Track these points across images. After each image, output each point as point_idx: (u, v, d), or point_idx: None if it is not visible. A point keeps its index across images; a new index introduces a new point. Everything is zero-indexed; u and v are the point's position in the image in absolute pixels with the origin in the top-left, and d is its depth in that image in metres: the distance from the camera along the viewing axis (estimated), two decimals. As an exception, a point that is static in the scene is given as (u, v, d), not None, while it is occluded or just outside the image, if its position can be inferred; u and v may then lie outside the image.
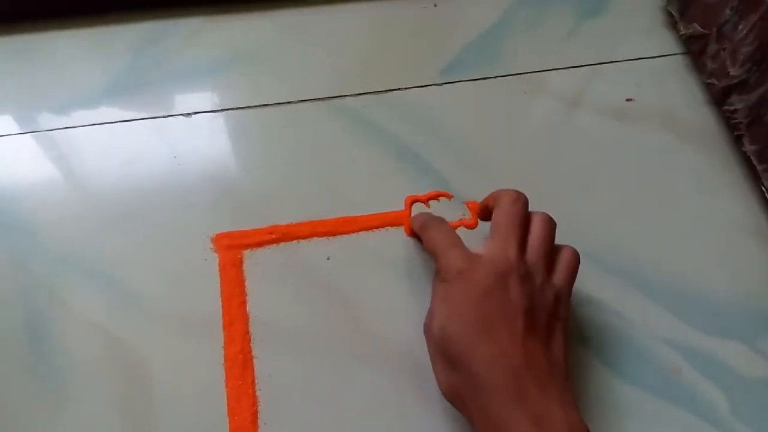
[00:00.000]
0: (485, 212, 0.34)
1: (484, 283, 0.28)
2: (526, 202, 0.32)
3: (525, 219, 0.31)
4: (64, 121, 0.39)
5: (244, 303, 0.35)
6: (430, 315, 0.30)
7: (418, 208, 0.38)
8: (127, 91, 0.40)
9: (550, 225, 0.32)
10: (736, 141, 0.41)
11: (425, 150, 0.40)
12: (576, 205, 0.39)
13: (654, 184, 0.40)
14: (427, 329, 0.30)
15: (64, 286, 0.35)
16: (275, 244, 0.36)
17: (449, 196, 0.39)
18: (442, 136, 0.41)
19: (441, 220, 0.34)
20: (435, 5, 0.45)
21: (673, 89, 0.43)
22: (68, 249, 0.36)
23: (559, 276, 0.31)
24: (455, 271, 0.29)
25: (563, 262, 0.31)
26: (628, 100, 0.43)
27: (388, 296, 0.35)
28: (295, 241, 0.37)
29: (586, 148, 0.41)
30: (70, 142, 0.39)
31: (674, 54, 0.45)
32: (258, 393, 0.33)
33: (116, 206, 0.37)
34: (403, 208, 0.38)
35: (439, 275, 0.30)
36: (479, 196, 0.39)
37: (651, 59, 0.45)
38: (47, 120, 0.39)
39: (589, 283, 0.37)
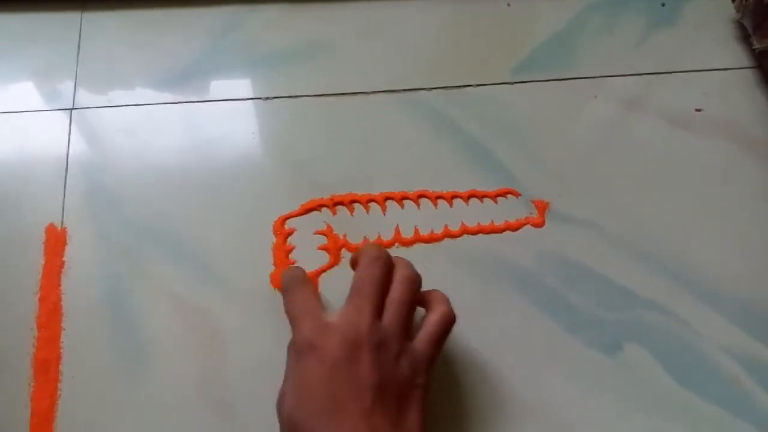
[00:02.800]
0: (354, 266, 0.32)
1: (333, 357, 0.27)
2: (386, 260, 0.30)
3: (384, 278, 0.30)
4: (147, 97, 0.41)
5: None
6: (281, 396, 0.28)
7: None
8: (206, 73, 0.42)
9: (412, 283, 0.30)
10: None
11: (494, 146, 0.41)
12: (639, 207, 0.40)
13: (716, 193, 0.41)
14: (278, 411, 0.28)
15: (145, 258, 0.36)
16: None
17: (517, 194, 0.41)
18: (512, 134, 0.42)
19: (301, 282, 0.32)
20: (508, 5, 0.46)
21: (740, 102, 0.44)
22: (150, 222, 0.37)
23: (421, 340, 0.29)
24: (305, 344, 0.28)
25: (428, 324, 0.30)
26: (697, 110, 0.44)
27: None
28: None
29: (651, 154, 0.42)
30: (154, 119, 0.40)
31: (745, 67, 0.45)
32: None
33: (195, 182, 0.39)
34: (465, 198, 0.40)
35: (293, 344, 0.29)
36: (546, 194, 0.40)
37: (720, 71, 0.45)
38: (132, 96, 0.41)
39: (648, 286, 0.38)
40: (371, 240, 0.39)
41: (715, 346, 0.37)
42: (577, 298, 0.38)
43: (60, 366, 0.34)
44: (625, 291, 0.38)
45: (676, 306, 0.38)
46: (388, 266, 0.30)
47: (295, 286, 0.32)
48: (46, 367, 0.33)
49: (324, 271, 0.37)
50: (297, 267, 0.35)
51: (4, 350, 0.34)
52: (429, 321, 0.30)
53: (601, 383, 0.36)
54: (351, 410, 0.26)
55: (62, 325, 0.35)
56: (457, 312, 0.32)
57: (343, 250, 0.38)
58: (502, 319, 0.37)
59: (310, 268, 0.37)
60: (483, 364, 0.36)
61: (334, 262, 0.38)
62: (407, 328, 0.30)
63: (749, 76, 0.45)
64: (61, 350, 0.34)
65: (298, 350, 0.28)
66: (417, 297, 0.31)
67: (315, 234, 0.39)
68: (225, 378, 0.34)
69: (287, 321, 0.31)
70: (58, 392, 0.33)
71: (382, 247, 0.32)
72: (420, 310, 0.32)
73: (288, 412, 0.27)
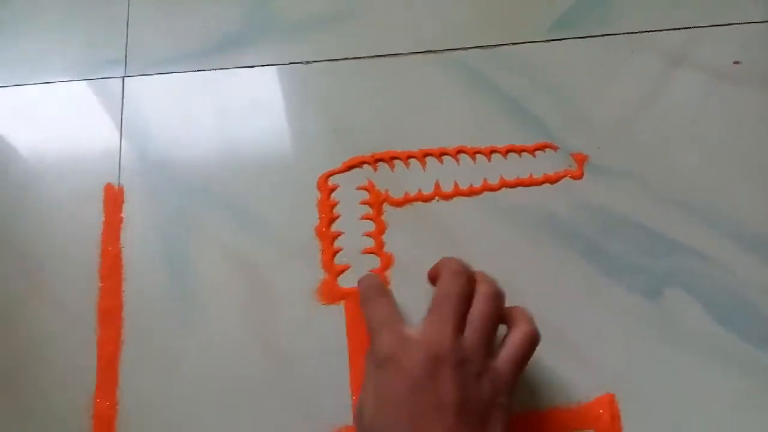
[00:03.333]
0: (432, 279, 0.32)
1: (414, 374, 0.27)
2: (469, 276, 0.30)
3: (466, 294, 0.29)
4: (191, 64, 0.43)
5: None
6: (360, 404, 0.28)
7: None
8: (246, 40, 0.44)
9: (495, 300, 0.30)
10: None
11: (532, 103, 0.42)
12: (677, 158, 0.41)
13: (755, 143, 0.41)
14: (357, 420, 0.28)
15: (196, 215, 0.38)
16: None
17: (555, 148, 0.41)
18: (549, 91, 0.42)
19: (380, 291, 0.32)
20: (542, -36, 0.47)
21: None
22: (200, 181, 0.39)
23: (503, 360, 0.29)
24: (385, 357, 0.28)
25: (511, 344, 0.29)
26: (735, 63, 0.43)
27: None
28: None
29: (689, 107, 0.42)
30: (199, 84, 0.42)
31: (785, 19, 0.45)
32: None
33: (240, 143, 0.40)
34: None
35: (372, 354, 0.29)
36: (584, 148, 0.41)
37: (759, 24, 0.45)
38: (178, 64, 0.43)
39: (687, 233, 0.39)
40: (412, 193, 0.40)
41: (756, 289, 0.37)
42: (617, 247, 0.39)
43: (122, 314, 0.36)
44: (664, 239, 0.39)
45: (715, 252, 0.38)
46: (471, 281, 0.30)
47: (373, 295, 0.32)
48: (110, 315, 0.36)
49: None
50: (373, 275, 0.35)
51: (70, 300, 0.36)
52: (512, 340, 0.29)
53: (643, 327, 0.37)
54: (432, 427, 0.26)
55: (123, 276, 0.37)
56: (500, 264, 0.33)
57: (385, 204, 0.40)
58: (544, 268, 0.38)
59: (353, 221, 0.39)
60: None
61: (379, 227, 0.39)
62: (489, 345, 0.29)
63: (789, 27, 0.45)
64: (123, 299, 0.36)
65: (378, 361, 0.28)
66: (499, 313, 0.30)
67: (357, 189, 0.40)
68: (274, 325, 0.36)
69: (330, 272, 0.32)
70: (122, 338, 0.35)
71: (463, 261, 0.31)
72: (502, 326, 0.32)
73: (368, 422, 0.27)
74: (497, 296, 0.30)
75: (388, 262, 0.38)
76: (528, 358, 0.29)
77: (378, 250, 0.38)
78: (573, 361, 0.36)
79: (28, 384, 0.34)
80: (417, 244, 0.38)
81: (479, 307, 0.29)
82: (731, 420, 0.35)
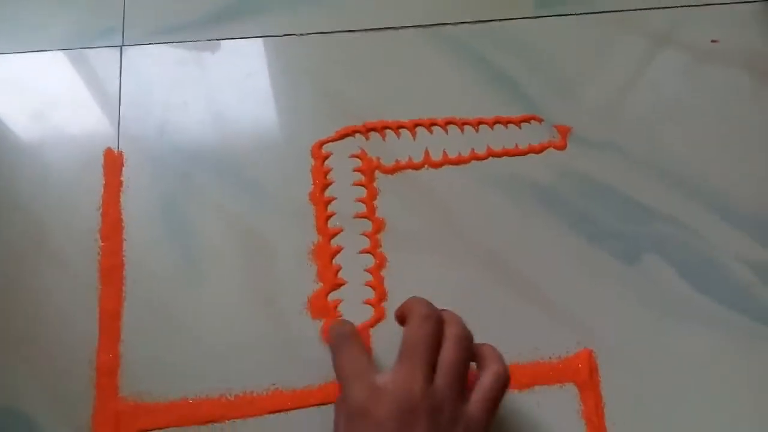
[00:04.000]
0: (401, 319, 0.32)
1: (388, 426, 0.27)
2: (437, 319, 0.30)
3: (435, 338, 0.29)
4: (188, 34, 0.44)
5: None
6: None
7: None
8: (240, 11, 0.45)
9: (464, 342, 0.30)
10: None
11: (520, 77, 0.44)
12: (658, 132, 0.43)
13: (733, 118, 0.43)
14: None
15: (194, 178, 0.40)
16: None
17: (540, 120, 0.43)
18: (536, 65, 0.44)
19: (350, 340, 0.32)
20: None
21: (757, 34, 0.46)
22: (197, 146, 0.41)
23: (475, 403, 0.28)
24: (357, 409, 0.28)
25: (483, 387, 0.29)
26: (713, 41, 0.46)
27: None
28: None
29: (671, 83, 0.44)
30: (195, 54, 0.43)
31: (761, 0, 0.47)
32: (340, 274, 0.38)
33: (236, 112, 0.42)
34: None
35: (343, 406, 0.29)
36: (568, 121, 0.43)
37: (739, 4, 0.47)
38: (176, 34, 0.44)
39: (666, 202, 0.41)
40: (403, 161, 0.41)
41: (730, 255, 0.40)
42: (597, 214, 0.41)
43: (123, 272, 0.37)
44: (644, 207, 0.41)
45: (693, 220, 0.41)
46: (439, 324, 0.30)
47: (343, 344, 0.31)
48: (111, 273, 0.37)
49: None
50: (345, 321, 0.35)
51: (73, 260, 0.37)
52: (483, 384, 0.29)
53: (621, 289, 0.39)
54: None
55: (123, 236, 0.38)
56: (485, 229, 0.35)
57: (377, 171, 0.41)
58: (528, 234, 0.40)
59: (346, 187, 0.40)
60: (510, 272, 0.39)
61: (370, 193, 0.41)
62: (461, 390, 0.29)
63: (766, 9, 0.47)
64: (124, 258, 0.38)
65: (349, 414, 0.28)
66: (469, 354, 0.30)
67: (350, 157, 0.42)
68: (270, 283, 0.38)
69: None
70: (123, 295, 0.37)
71: (430, 303, 0.31)
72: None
73: None
74: (466, 338, 0.30)
75: (379, 226, 0.40)
76: (500, 399, 0.29)
77: (370, 214, 0.40)
78: (554, 320, 0.38)
79: (34, 339, 0.36)
80: (407, 209, 0.40)
81: (449, 351, 0.29)
82: (703, 377, 0.37)
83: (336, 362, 0.31)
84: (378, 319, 0.37)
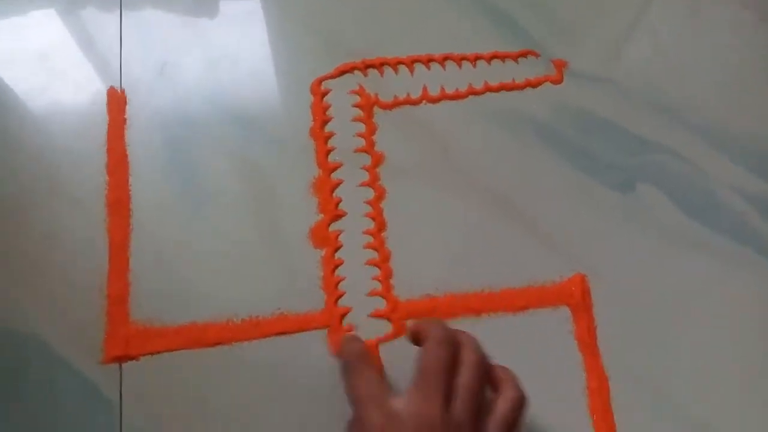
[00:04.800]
0: (414, 339, 0.32)
1: None
2: (454, 343, 0.29)
3: (452, 362, 0.29)
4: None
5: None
6: None
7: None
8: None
9: (481, 367, 0.29)
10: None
11: (517, 13, 0.44)
12: (653, 64, 0.43)
13: (727, 51, 0.43)
14: None
15: (195, 115, 0.41)
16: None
17: (536, 55, 0.44)
18: (535, 2, 0.44)
19: (362, 360, 0.31)
20: None
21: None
22: (197, 84, 0.42)
23: (492, 428, 0.28)
24: None
25: (500, 412, 0.28)
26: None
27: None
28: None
29: (672, 20, 0.44)
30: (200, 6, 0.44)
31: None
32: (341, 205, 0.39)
33: (235, 49, 0.43)
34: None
35: (358, 425, 0.28)
36: (565, 56, 0.43)
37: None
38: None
39: (661, 133, 0.42)
40: (401, 97, 0.42)
41: (724, 186, 0.41)
42: (593, 145, 0.42)
43: (130, 205, 0.39)
44: (639, 139, 0.42)
45: (689, 152, 0.41)
46: (456, 348, 0.29)
47: (356, 365, 0.31)
48: (118, 206, 0.39)
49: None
50: (355, 338, 0.34)
51: (81, 194, 0.39)
52: (500, 409, 0.28)
53: (615, 218, 0.40)
54: None
55: (128, 171, 0.39)
56: (483, 162, 0.36)
57: (375, 107, 0.42)
58: (524, 166, 0.41)
59: (345, 123, 0.41)
60: (506, 202, 0.40)
61: (369, 128, 0.42)
62: (478, 413, 0.28)
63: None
64: (130, 192, 0.39)
65: None
66: (486, 378, 0.30)
67: (349, 93, 0.42)
68: (272, 214, 0.39)
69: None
70: (130, 226, 0.38)
71: (446, 325, 0.30)
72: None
73: None
74: (483, 363, 0.29)
75: (378, 159, 0.41)
76: (517, 424, 0.29)
77: (369, 148, 0.41)
78: (549, 247, 0.39)
79: (47, 269, 0.37)
80: (406, 143, 0.41)
81: (466, 376, 0.28)
82: (693, 301, 0.39)
83: (348, 383, 0.30)
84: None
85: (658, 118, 0.42)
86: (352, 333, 0.36)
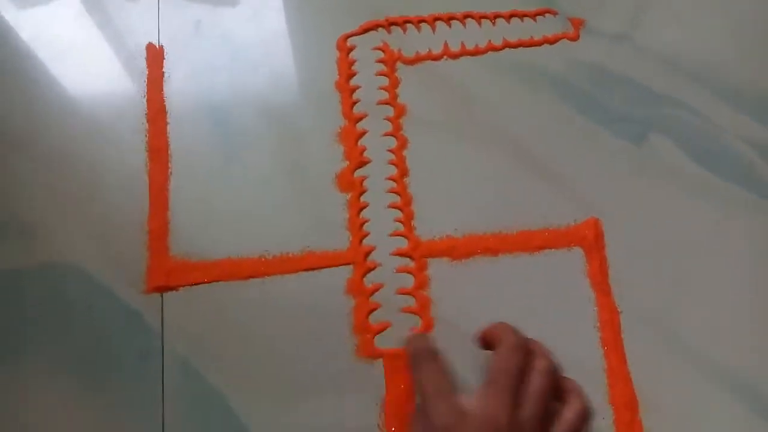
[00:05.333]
0: (483, 343, 0.32)
1: None
2: (526, 351, 0.30)
3: (523, 368, 0.29)
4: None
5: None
6: None
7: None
8: None
9: (551, 375, 0.29)
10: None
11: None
12: (672, 26, 0.45)
13: (741, 12, 0.45)
14: None
15: (230, 69, 0.43)
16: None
17: (554, 13, 0.46)
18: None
19: (431, 356, 0.31)
20: None
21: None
22: (231, 42, 0.44)
23: None
24: (442, 428, 0.28)
25: (565, 422, 0.28)
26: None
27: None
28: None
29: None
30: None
31: None
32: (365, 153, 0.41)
33: (264, 10, 0.45)
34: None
35: (424, 419, 0.29)
36: (583, 14, 0.45)
37: None
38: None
39: (673, 87, 0.44)
40: (423, 53, 0.44)
41: (733, 135, 0.42)
42: (607, 99, 0.43)
43: (169, 151, 0.41)
44: (652, 92, 0.44)
45: (699, 104, 0.43)
46: (528, 355, 0.29)
47: (425, 360, 0.31)
48: (158, 152, 0.41)
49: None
50: (422, 336, 0.34)
51: (123, 141, 0.42)
52: (566, 418, 0.29)
53: (628, 166, 0.42)
54: None
55: (167, 120, 0.42)
56: (501, 115, 0.39)
57: (398, 62, 0.44)
58: (541, 118, 0.43)
59: (369, 77, 0.44)
60: (523, 151, 0.42)
61: (392, 82, 0.44)
62: (544, 421, 0.28)
63: None
64: (169, 140, 0.42)
65: (430, 430, 0.28)
66: (555, 387, 0.30)
67: (373, 50, 0.45)
68: (300, 159, 0.41)
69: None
70: (169, 170, 0.41)
71: (518, 331, 0.30)
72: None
73: None
74: (554, 372, 0.29)
75: (401, 111, 0.43)
76: None
77: (392, 101, 0.44)
78: (564, 194, 0.41)
79: (93, 207, 0.40)
80: (427, 96, 0.44)
81: (536, 383, 0.29)
82: (702, 242, 0.40)
83: (417, 377, 0.30)
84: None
85: (670, 72, 0.44)
86: (420, 332, 0.36)
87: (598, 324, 0.38)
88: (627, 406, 0.36)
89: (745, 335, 0.38)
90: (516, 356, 0.29)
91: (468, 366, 0.31)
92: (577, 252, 0.40)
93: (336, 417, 0.36)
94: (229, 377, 0.36)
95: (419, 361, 0.31)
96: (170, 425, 0.36)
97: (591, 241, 0.40)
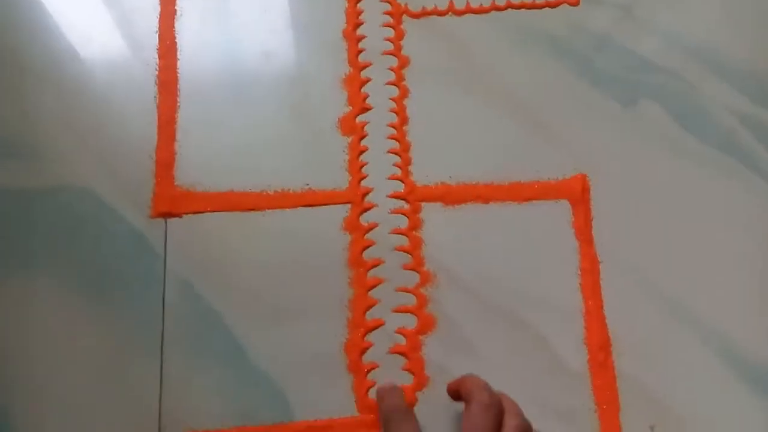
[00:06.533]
0: (454, 395, 0.33)
1: None
2: (498, 409, 0.30)
3: (496, 427, 0.30)
4: None
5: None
6: None
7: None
8: None
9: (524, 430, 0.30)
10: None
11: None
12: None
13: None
14: None
15: (236, 12, 0.45)
16: None
17: (557, -22, 0.47)
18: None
19: (404, 415, 0.32)
20: None
21: None
22: None
23: None
24: None
25: None
26: None
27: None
28: None
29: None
30: None
31: None
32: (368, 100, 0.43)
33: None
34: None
35: None
36: (583, -20, 0.47)
37: None
38: None
39: (665, 56, 0.46)
40: (429, 8, 0.46)
41: (720, 105, 0.45)
42: (602, 63, 0.46)
43: (178, 86, 0.43)
44: (645, 60, 0.46)
45: (690, 74, 0.45)
46: (500, 414, 0.30)
47: (398, 420, 0.32)
48: (168, 85, 0.43)
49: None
50: (396, 389, 0.34)
51: (135, 72, 0.43)
52: None
53: (617, 127, 0.44)
54: None
55: (177, 56, 0.44)
56: (499, 71, 0.42)
57: (404, 15, 0.46)
58: (538, 78, 0.45)
59: (376, 27, 0.45)
60: (518, 107, 0.44)
61: (398, 34, 0.46)
62: None
63: None
64: (178, 74, 0.43)
65: None
66: None
67: (380, 1, 0.46)
68: (305, 100, 0.43)
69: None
70: (178, 104, 0.43)
71: (489, 387, 0.31)
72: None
73: None
74: (525, 429, 0.30)
75: (404, 62, 0.45)
76: None
77: (396, 52, 0.45)
78: (555, 149, 0.43)
79: (103, 134, 0.42)
80: (430, 49, 0.45)
81: None
82: (684, 203, 0.43)
83: None
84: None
85: (665, 42, 0.46)
86: (392, 384, 0.35)
87: (579, 272, 0.41)
88: (601, 348, 0.39)
89: (719, 286, 0.40)
90: (488, 416, 0.30)
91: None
92: (564, 204, 0.42)
93: (326, 341, 0.38)
94: (226, 299, 0.39)
95: (391, 420, 0.32)
96: (169, 340, 0.38)
97: (578, 194, 0.42)
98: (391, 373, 0.38)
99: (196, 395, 0.37)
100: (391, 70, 0.45)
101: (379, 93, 0.44)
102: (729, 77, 0.45)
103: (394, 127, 0.43)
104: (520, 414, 0.31)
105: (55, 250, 0.39)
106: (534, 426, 0.32)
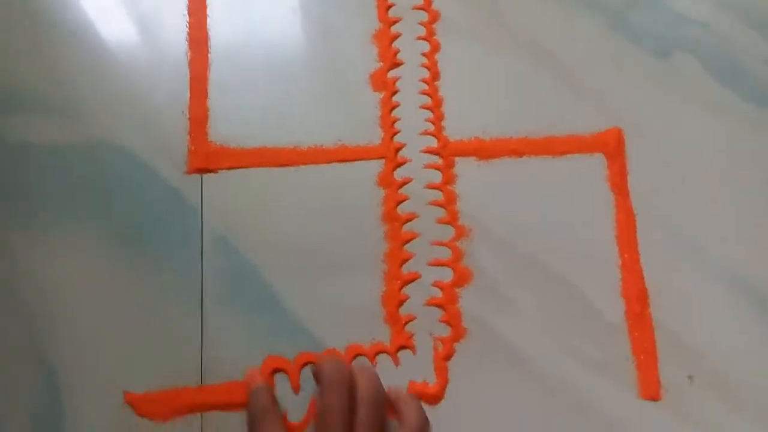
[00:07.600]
0: (317, 377, 0.31)
1: None
2: (348, 384, 0.30)
3: (347, 403, 0.29)
4: None
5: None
6: None
7: None
8: None
9: (377, 404, 0.30)
10: None
11: None
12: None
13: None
14: None
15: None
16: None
17: (589, -70, 0.47)
18: None
19: (270, 414, 0.33)
20: None
21: None
22: None
23: None
24: None
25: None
26: None
27: None
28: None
29: None
30: None
31: None
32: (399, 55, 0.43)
33: None
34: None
35: None
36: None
37: None
38: None
39: (700, 11, 0.45)
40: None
41: (752, 57, 0.44)
42: (637, 19, 0.45)
43: (208, 44, 0.43)
44: (679, 14, 0.46)
45: (723, 28, 0.45)
46: (350, 388, 0.30)
47: (263, 418, 0.32)
48: (198, 43, 0.43)
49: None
50: (263, 389, 0.34)
51: (165, 32, 0.43)
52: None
53: (652, 81, 0.44)
54: None
55: (207, 13, 0.44)
56: (534, 28, 0.42)
57: None
58: (571, 30, 0.45)
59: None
60: (552, 61, 0.44)
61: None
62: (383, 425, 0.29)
63: None
64: (208, 32, 0.43)
65: None
66: (384, 412, 0.30)
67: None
68: (337, 57, 0.43)
69: None
70: (209, 61, 0.43)
71: (340, 363, 0.30)
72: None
73: None
74: (379, 398, 0.30)
75: (435, 17, 0.45)
76: None
77: (426, 6, 0.45)
78: (589, 103, 0.43)
79: (136, 93, 0.42)
80: (461, 3, 0.45)
81: (363, 415, 0.29)
82: (718, 155, 0.42)
83: None
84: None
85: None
86: (260, 384, 0.35)
87: (615, 224, 0.40)
88: (638, 299, 0.39)
89: (754, 239, 0.40)
90: (337, 393, 0.29)
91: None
92: (599, 158, 0.42)
93: (363, 293, 0.39)
94: (263, 254, 0.39)
95: (256, 418, 0.32)
96: (208, 293, 0.38)
97: (613, 148, 0.42)
98: (428, 325, 0.38)
99: (235, 346, 0.37)
100: (422, 24, 0.45)
101: (409, 48, 0.44)
102: (762, 29, 0.45)
103: (425, 82, 0.43)
104: (372, 383, 0.30)
105: (92, 206, 0.39)
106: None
